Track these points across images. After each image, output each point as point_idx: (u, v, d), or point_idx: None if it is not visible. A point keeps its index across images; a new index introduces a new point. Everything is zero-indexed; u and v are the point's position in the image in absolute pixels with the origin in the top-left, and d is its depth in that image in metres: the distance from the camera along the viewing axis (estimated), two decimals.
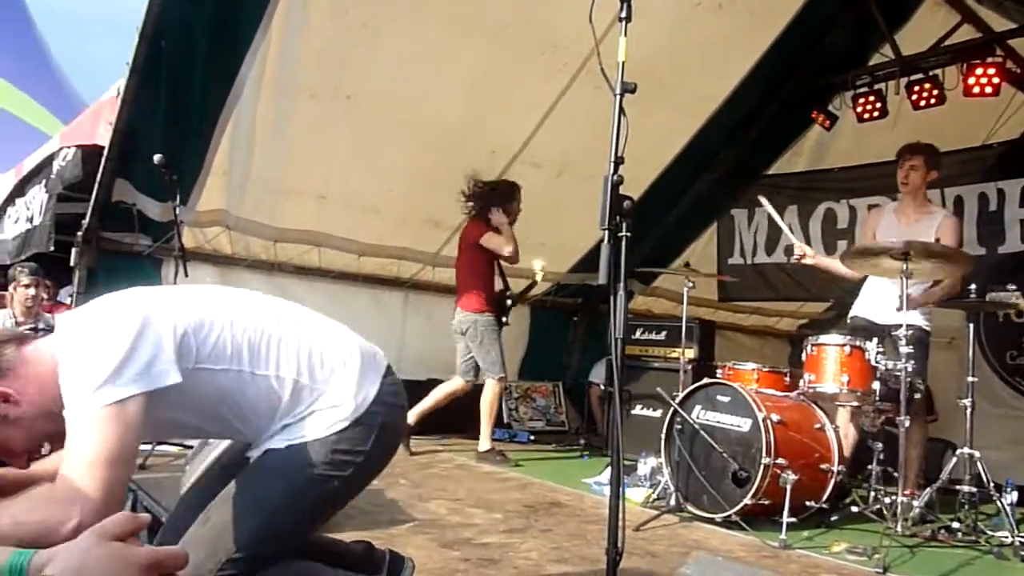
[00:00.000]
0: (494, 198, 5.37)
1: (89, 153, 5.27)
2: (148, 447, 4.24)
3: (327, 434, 1.75)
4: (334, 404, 1.77)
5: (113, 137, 4.62)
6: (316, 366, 1.78)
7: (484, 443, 5.27)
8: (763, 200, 5.07)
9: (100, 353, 1.52)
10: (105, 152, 4.69)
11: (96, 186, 4.78)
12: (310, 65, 4.93)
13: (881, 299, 4.51)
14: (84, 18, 26.68)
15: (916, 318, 4.34)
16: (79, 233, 4.92)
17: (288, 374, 1.74)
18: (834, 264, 4.61)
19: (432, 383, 6.43)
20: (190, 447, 4.16)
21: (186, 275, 4.66)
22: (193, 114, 4.81)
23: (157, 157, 4.21)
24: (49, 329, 4.71)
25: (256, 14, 4.57)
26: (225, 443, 2.88)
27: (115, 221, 5.01)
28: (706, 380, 4.24)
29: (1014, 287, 4.62)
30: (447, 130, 5.59)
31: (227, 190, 5.36)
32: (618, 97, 1.97)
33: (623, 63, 1.94)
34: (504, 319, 5.51)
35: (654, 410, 5.59)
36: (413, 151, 5.63)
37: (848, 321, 4.72)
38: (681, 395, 4.26)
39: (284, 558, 1.80)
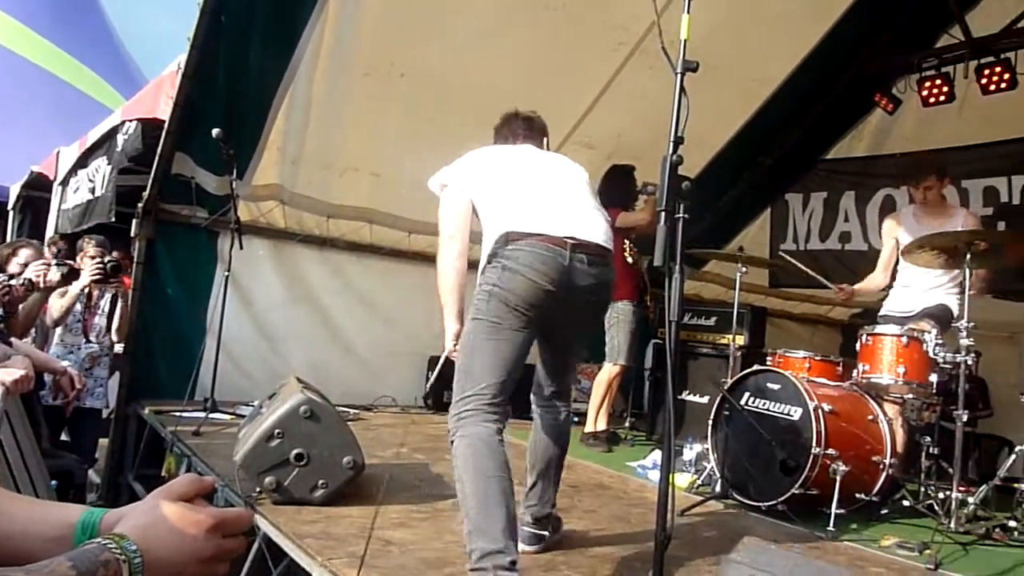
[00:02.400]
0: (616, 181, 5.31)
1: (150, 127, 5.40)
2: (202, 414, 4.36)
3: None
4: None
5: (173, 111, 4.72)
6: None
7: (588, 425, 5.32)
8: (786, 256, 5.39)
9: None
10: (165, 126, 4.80)
11: (156, 159, 4.90)
12: (365, 42, 4.96)
13: (907, 293, 4.62)
14: None
15: (948, 299, 4.44)
16: (139, 204, 5.05)
17: None
18: (866, 284, 4.92)
19: None
20: (243, 416, 4.27)
21: (241, 247, 4.78)
22: (251, 90, 4.89)
23: (216, 131, 4.30)
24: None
25: None
26: (279, 411, 2.95)
27: (174, 193, 5.13)
28: (756, 367, 4.16)
29: None
30: (499, 108, 5.54)
31: (282, 165, 5.44)
32: (679, 76, 1.94)
33: (685, 41, 1.90)
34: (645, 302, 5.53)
35: (701, 396, 5.54)
36: (465, 129, 5.61)
37: (878, 320, 4.63)
38: (730, 381, 4.21)
39: None
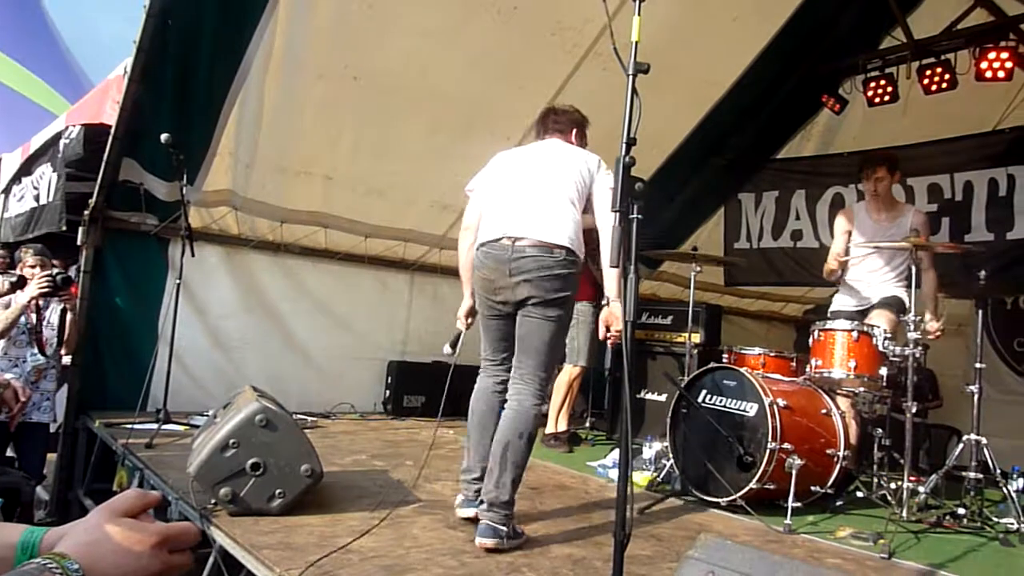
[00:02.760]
0: None
1: (93, 132, 5.27)
2: (154, 426, 4.27)
3: None
4: None
5: (120, 116, 4.60)
6: None
7: (549, 426, 5.33)
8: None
9: None
10: (112, 131, 4.68)
11: (103, 165, 4.78)
12: (318, 45, 4.90)
13: (859, 287, 4.73)
14: None
15: (898, 291, 4.57)
16: (86, 212, 4.92)
17: None
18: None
19: (437, 365, 6.46)
20: (196, 426, 4.19)
21: (192, 254, 4.69)
22: (200, 93, 4.79)
23: (164, 136, 4.21)
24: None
25: None
26: (234, 421, 2.89)
27: (122, 200, 5.01)
28: (712, 364, 4.22)
29: None
30: (455, 112, 5.57)
31: (234, 170, 5.35)
32: (631, 77, 1.95)
33: (636, 43, 1.92)
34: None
35: (659, 394, 5.59)
36: (420, 133, 5.62)
37: (829, 316, 4.72)
38: (688, 379, 4.25)
39: None
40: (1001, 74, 5.56)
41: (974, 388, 4.09)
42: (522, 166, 3.24)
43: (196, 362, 5.36)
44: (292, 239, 5.92)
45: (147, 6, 4.24)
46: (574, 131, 3.41)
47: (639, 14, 1.90)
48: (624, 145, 1.92)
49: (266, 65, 4.86)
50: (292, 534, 2.73)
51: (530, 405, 2.96)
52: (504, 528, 2.79)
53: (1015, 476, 3.97)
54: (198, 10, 4.49)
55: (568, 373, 5.34)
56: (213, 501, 2.87)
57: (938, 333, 4.34)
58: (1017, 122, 6.10)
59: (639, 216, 1.89)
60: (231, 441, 2.88)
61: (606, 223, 3.00)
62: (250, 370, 5.44)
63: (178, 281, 4.75)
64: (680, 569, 1.66)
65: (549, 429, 5.35)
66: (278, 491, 2.93)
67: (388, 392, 6.30)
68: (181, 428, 4.52)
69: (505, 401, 3.05)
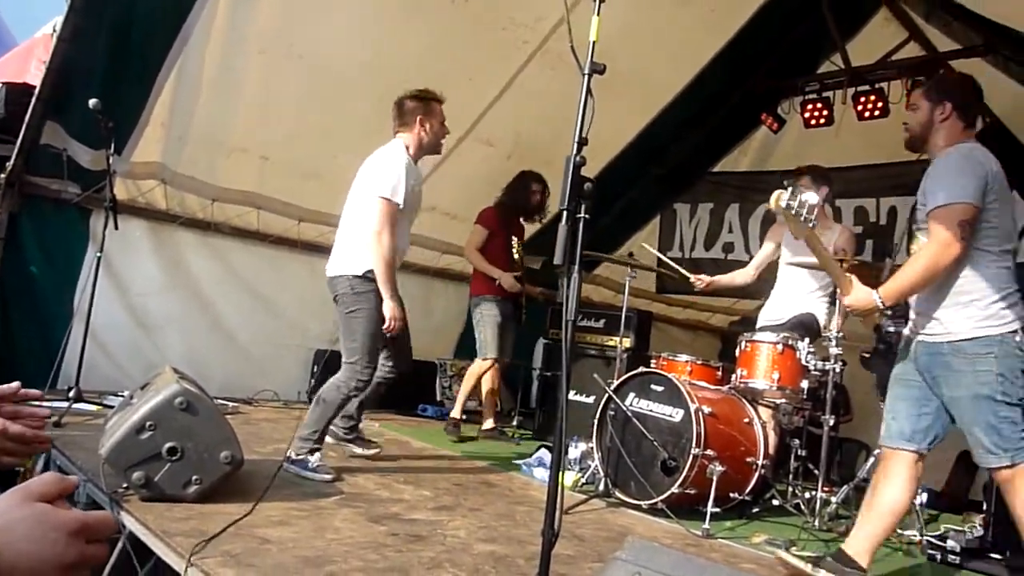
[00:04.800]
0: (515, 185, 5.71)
1: (15, 91, 4.99)
2: (64, 404, 4.07)
3: None
4: None
5: (46, 77, 4.37)
6: None
7: (455, 411, 5.59)
8: (647, 247, 5.71)
9: None
10: (36, 92, 4.44)
11: (24, 127, 4.52)
12: (262, 19, 4.77)
13: (781, 301, 4.86)
14: None
15: (817, 307, 4.72)
16: (1, 175, 4.66)
17: None
18: (729, 279, 5.11)
19: None
20: (111, 407, 4.01)
21: (116, 227, 4.50)
22: (135, 59, 4.60)
23: (93, 102, 4.02)
24: None
25: None
26: (151, 402, 2.78)
27: (43, 165, 4.76)
28: (642, 369, 4.28)
29: None
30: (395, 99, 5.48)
31: (165, 142, 5.15)
32: (587, 77, 1.95)
33: (594, 43, 1.92)
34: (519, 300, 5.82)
35: (587, 396, 5.63)
36: (363, 118, 5.51)
37: (757, 329, 4.84)
38: (616, 382, 4.30)
39: None
40: None
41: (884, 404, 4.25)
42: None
43: (114, 340, 5.14)
44: (223, 218, 5.73)
45: None
46: (415, 125, 3.90)
47: (598, 14, 1.91)
48: (576, 144, 1.92)
49: (207, 35, 4.70)
50: (207, 522, 2.63)
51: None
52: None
53: (919, 491, 4.14)
54: None
55: (477, 366, 5.58)
56: (125, 485, 2.75)
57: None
58: None
59: (587, 216, 1.89)
60: (148, 423, 2.76)
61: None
62: (171, 351, 5.25)
63: (99, 254, 4.54)
64: (606, 570, 1.67)
65: (454, 413, 5.58)
66: (195, 477, 2.83)
67: (313, 381, 6.17)
68: (94, 408, 4.32)
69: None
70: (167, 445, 2.78)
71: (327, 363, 6.15)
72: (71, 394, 4.25)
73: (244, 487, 3.10)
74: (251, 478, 3.24)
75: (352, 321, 3.72)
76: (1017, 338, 2.66)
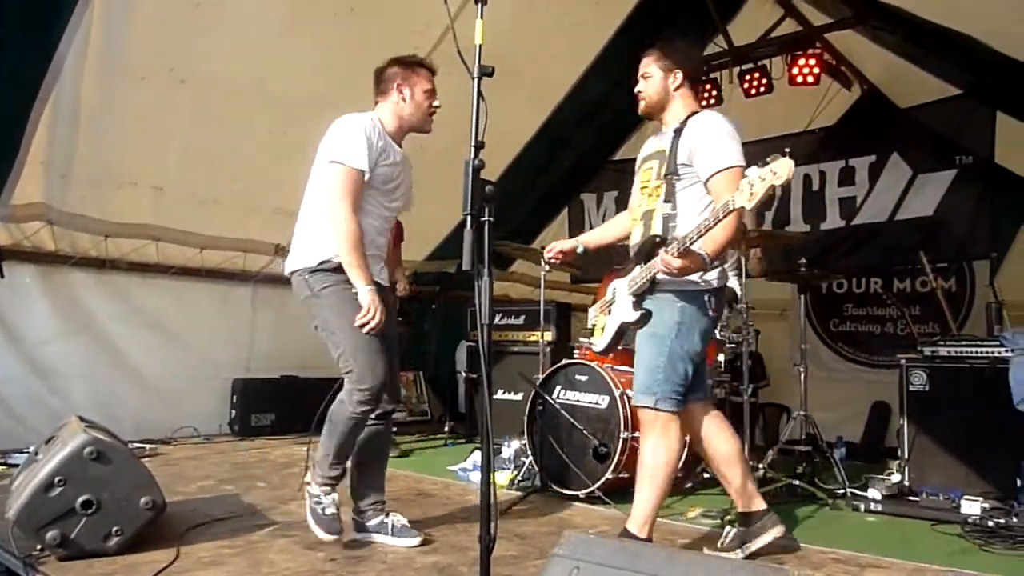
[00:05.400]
0: None
1: None
2: None
3: None
4: None
5: None
6: None
7: None
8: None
9: None
10: None
11: None
12: (139, 44, 4.58)
13: None
14: None
15: (732, 282, 4.60)
16: None
17: None
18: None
19: (288, 380, 6.20)
20: (15, 465, 3.79)
21: (1, 276, 4.24)
22: (4, 97, 4.33)
23: None
24: None
25: None
26: (59, 456, 2.63)
27: None
28: (565, 361, 4.32)
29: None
30: (293, 116, 5.35)
31: (47, 181, 4.88)
32: (476, 80, 1.95)
33: (480, 46, 1.92)
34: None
35: (515, 393, 5.65)
36: (259, 139, 5.37)
37: None
38: (542, 377, 4.33)
39: None
40: (810, 79, 6.07)
41: (800, 368, 4.44)
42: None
43: (13, 394, 4.85)
44: (119, 254, 5.47)
45: None
46: (394, 92, 3.17)
47: (482, 17, 1.91)
48: (473, 148, 1.92)
49: (82, 65, 4.47)
50: (134, 573, 2.52)
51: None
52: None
53: (839, 445, 4.35)
54: (1, 4, 4.06)
55: None
56: (39, 547, 2.60)
57: None
58: (826, 122, 6.69)
59: (491, 219, 1.89)
60: (56, 479, 2.62)
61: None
62: (77, 399, 4.98)
63: None
64: (546, 568, 1.67)
65: None
66: (115, 528, 2.69)
67: (234, 412, 5.98)
68: None
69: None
70: (81, 499, 2.64)
71: (245, 391, 5.98)
72: None
73: (170, 532, 2.98)
74: (176, 521, 3.12)
75: (326, 325, 2.97)
76: (708, 299, 2.84)
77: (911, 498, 3.84)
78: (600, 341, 3.11)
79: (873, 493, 3.85)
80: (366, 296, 2.87)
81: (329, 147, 3.01)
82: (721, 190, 2.68)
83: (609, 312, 3.09)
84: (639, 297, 2.87)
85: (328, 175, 2.96)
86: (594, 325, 3.19)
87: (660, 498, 2.81)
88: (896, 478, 3.99)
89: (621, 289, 3.00)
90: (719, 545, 3.06)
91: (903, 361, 4.09)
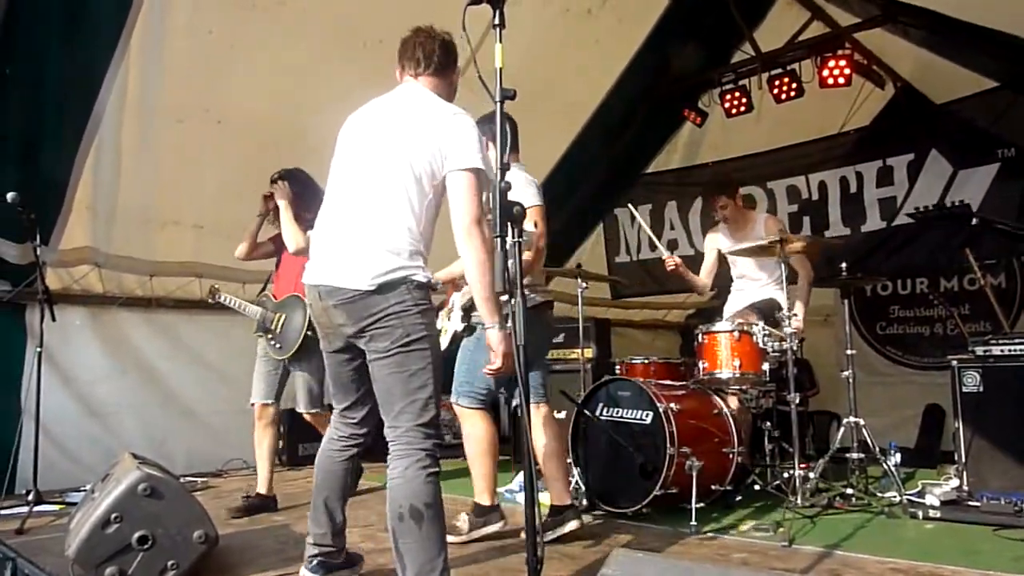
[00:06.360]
0: None
1: None
2: (24, 509, 3.91)
3: None
4: None
5: None
6: None
7: None
8: (632, 209, 5.79)
9: None
10: None
11: None
12: (174, 88, 4.71)
13: (741, 296, 4.99)
14: None
15: (776, 294, 4.70)
16: None
17: None
18: (692, 279, 5.12)
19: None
20: (73, 504, 3.87)
21: (53, 319, 4.35)
22: (50, 145, 4.49)
23: (11, 195, 3.90)
24: None
25: (111, 36, 4.32)
26: (114, 493, 2.69)
27: None
28: (606, 377, 4.30)
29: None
30: (324, 149, 5.42)
31: (93, 225, 5.03)
32: (499, 104, 1.97)
33: (500, 69, 1.94)
34: None
35: (558, 412, 5.61)
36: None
37: None
38: (584, 395, 4.31)
39: None
40: (841, 80, 6.01)
41: (848, 373, 4.35)
42: (349, 162, 2.64)
43: (67, 434, 4.97)
44: (164, 292, 5.61)
45: None
46: (456, 68, 2.72)
47: (500, 41, 1.93)
48: (498, 169, 1.93)
49: (121, 111, 4.62)
50: None
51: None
52: None
53: (892, 452, 4.23)
54: (41, 57, 4.22)
55: None
56: None
57: (798, 327, 4.48)
58: (860, 123, 6.60)
59: (520, 240, 1.90)
60: (113, 516, 2.67)
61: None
62: (128, 436, 5.09)
63: (39, 349, 4.38)
64: None
65: None
66: (170, 563, 2.74)
67: (282, 443, 6.05)
68: (56, 508, 4.17)
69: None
70: (136, 535, 2.69)
71: (292, 422, 6.05)
72: (30, 497, 4.07)
73: (223, 564, 3.02)
74: (230, 553, 3.16)
75: (413, 356, 2.36)
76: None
77: (971, 503, 3.72)
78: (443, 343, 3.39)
79: (930, 499, 3.74)
80: (500, 337, 2.38)
81: (463, 149, 2.40)
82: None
83: (449, 319, 3.53)
84: (466, 310, 3.37)
85: (467, 184, 2.39)
86: (442, 329, 3.47)
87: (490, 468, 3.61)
88: (954, 483, 3.88)
89: (456, 301, 3.49)
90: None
91: (955, 362, 3.98)
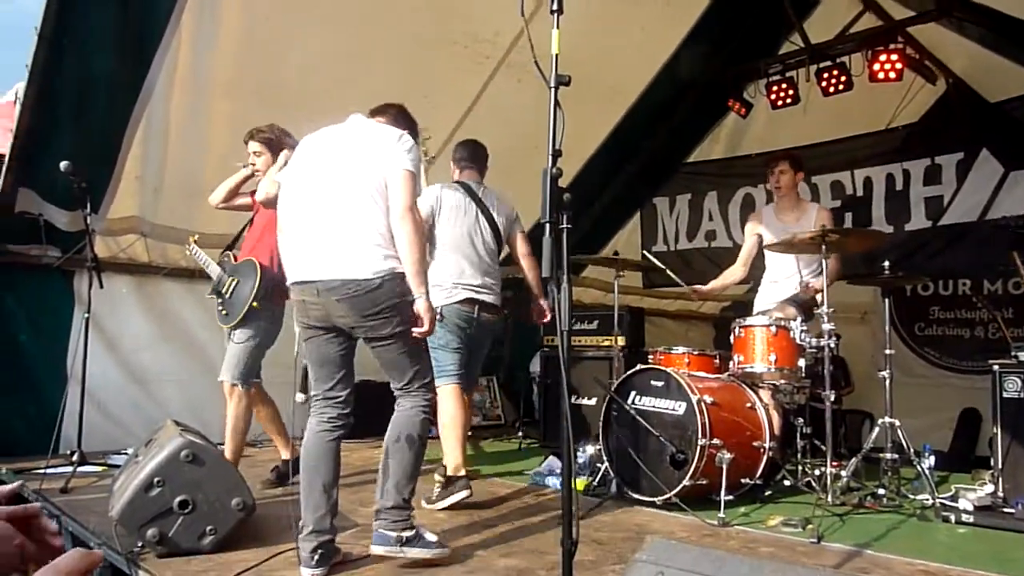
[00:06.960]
0: None
1: None
2: (69, 469, 4.04)
3: None
4: None
5: (14, 144, 4.38)
6: None
7: None
8: (648, 255, 5.97)
9: None
10: (6, 160, 4.44)
11: None
12: (225, 63, 4.78)
13: (775, 288, 4.88)
14: None
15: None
16: None
17: None
18: (723, 282, 5.23)
19: (365, 385, 6.34)
20: (116, 466, 3.99)
21: (100, 286, 4.48)
22: (101, 116, 4.60)
23: (64, 164, 4.01)
24: None
25: (165, 10, 4.40)
26: (157, 458, 2.78)
27: (19, 233, 4.76)
28: (640, 366, 4.29)
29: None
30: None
31: (141, 195, 5.15)
32: (553, 90, 1.98)
33: (556, 55, 1.95)
34: None
35: (589, 398, 5.65)
36: None
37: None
38: (616, 382, 4.32)
39: None
40: (892, 75, 5.87)
41: (885, 373, 4.29)
42: (311, 182, 2.96)
43: (111, 399, 5.12)
44: None
45: (39, 27, 4.04)
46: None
47: (558, 27, 1.94)
48: (551, 156, 1.95)
49: (171, 84, 4.70)
50: (227, 571, 2.63)
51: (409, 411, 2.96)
52: (392, 534, 2.75)
53: (927, 454, 4.18)
54: (96, 30, 4.31)
55: None
56: (140, 544, 2.75)
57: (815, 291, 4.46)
58: (909, 119, 6.46)
59: (568, 226, 1.91)
60: (156, 479, 2.76)
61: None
62: (170, 403, 5.23)
63: (86, 315, 4.52)
64: (628, 572, 1.68)
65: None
66: (209, 528, 2.82)
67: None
68: (99, 469, 4.30)
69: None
70: (178, 499, 2.77)
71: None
72: (74, 458, 4.22)
73: (259, 531, 3.10)
74: (265, 521, 3.24)
75: (406, 336, 2.84)
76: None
77: (1005, 509, 3.66)
78: None
79: (964, 504, 3.69)
80: (427, 305, 2.85)
81: (402, 156, 2.89)
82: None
83: None
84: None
85: (403, 179, 2.91)
86: None
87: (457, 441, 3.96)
88: (989, 488, 3.82)
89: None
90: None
91: (996, 366, 3.91)
